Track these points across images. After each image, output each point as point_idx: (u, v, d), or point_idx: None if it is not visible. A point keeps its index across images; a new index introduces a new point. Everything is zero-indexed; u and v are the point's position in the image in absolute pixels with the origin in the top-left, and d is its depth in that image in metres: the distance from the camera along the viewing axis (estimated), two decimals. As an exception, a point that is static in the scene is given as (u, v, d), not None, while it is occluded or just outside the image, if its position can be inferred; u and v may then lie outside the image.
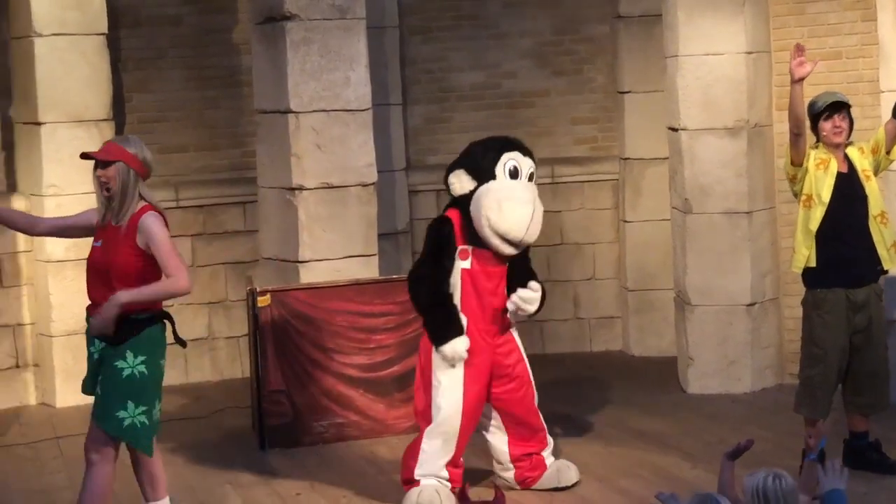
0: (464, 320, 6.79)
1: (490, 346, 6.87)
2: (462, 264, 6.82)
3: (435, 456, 6.80)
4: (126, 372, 6.01)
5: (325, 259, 8.62)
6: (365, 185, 8.75)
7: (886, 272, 7.16)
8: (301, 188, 8.60)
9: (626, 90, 10.20)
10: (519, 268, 6.92)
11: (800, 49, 6.99)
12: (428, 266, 6.87)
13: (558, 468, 7.07)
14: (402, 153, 10.28)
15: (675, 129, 9.10)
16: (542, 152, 10.36)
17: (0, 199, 9.36)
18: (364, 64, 8.70)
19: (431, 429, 6.81)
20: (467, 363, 6.77)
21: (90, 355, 6.16)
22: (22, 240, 9.40)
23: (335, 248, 8.64)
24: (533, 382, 7.07)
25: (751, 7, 8.89)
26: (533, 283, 6.88)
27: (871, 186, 7.02)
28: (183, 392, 9.66)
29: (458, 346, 6.70)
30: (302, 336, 8.16)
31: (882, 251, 7.02)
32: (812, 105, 7.08)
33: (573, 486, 7.06)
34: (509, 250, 6.78)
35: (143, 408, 6.04)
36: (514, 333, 7.05)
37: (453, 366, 6.75)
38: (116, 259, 5.97)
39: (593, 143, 10.61)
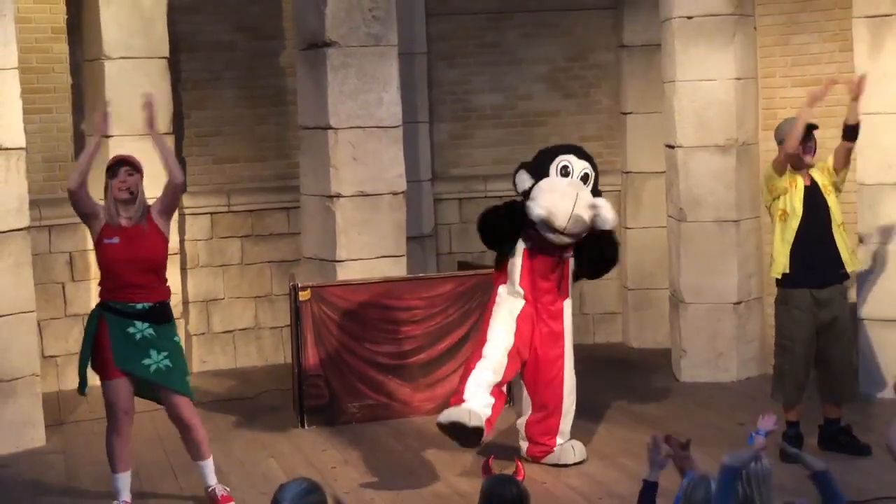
0: (521, 291, 6.94)
1: (540, 311, 6.95)
2: (524, 245, 6.92)
3: (483, 381, 6.81)
4: (179, 343, 6.48)
5: (359, 259, 8.63)
6: (395, 194, 8.76)
7: (849, 275, 7.21)
8: (339, 196, 8.62)
9: (629, 111, 10.20)
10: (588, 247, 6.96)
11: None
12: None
13: (562, 449, 7.07)
14: (429, 165, 10.29)
15: (671, 147, 9.09)
16: (553, 166, 10.39)
17: (73, 203, 9.43)
18: (396, 86, 8.71)
19: (482, 362, 6.86)
20: (518, 316, 6.92)
21: (129, 336, 6.29)
22: (90, 239, 9.44)
23: (368, 249, 8.66)
24: (566, 377, 7.06)
25: (740, 38, 8.88)
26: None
27: (832, 199, 7.12)
28: (231, 375, 9.71)
29: None
30: (338, 327, 8.18)
31: (845, 255, 7.11)
32: (781, 128, 7.18)
33: (575, 464, 7.06)
34: (557, 239, 6.82)
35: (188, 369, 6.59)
36: (567, 329, 7.08)
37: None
38: (156, 251, 6.38)
39: (599, 157, 10.38)
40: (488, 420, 6.72)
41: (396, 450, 7.60)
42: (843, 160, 7.19)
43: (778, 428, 4.91)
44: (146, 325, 6.31)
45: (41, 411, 7.94)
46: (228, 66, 10.04)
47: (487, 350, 6.91)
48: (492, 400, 6.79)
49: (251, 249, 10.03)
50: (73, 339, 9.40)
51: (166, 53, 9.40)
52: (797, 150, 6.99)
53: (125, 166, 6.36)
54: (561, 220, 6.75)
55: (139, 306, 6.31)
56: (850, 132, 7.19)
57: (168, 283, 6.51)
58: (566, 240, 6.85)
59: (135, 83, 9.18)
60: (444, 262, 10.15)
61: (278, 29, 10.14)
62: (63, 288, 9.40)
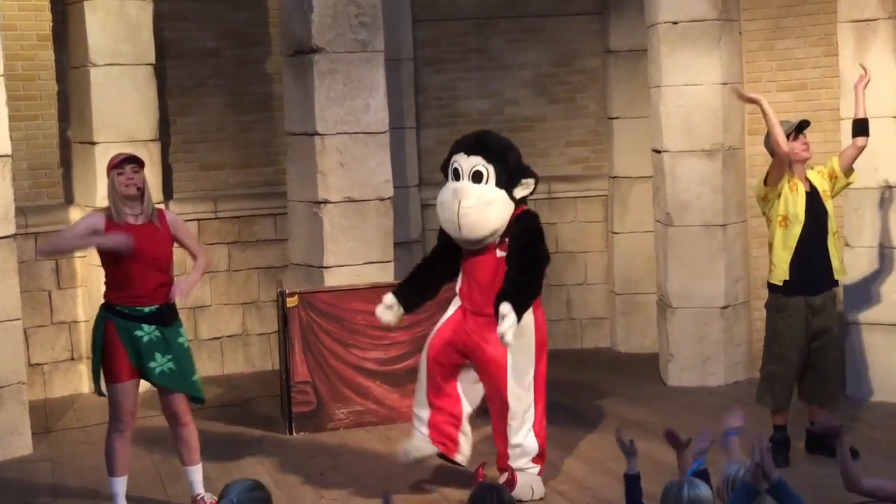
0: (459, 302, 6.72)
1: (463, 323, 6.63)
2: (464, 252, 6.74)
3: (419, 394, 6.80)
4: (186, 344, 6.45)
5: (346, 265, 8.63)
6: (382, 200, 8.76)
7: (838, 283, 7.21)
8: (326, 202, 8.61)
9: (615, 116, 10.21)
10: (510, 264, 6.49)
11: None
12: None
13: (520, 486, 6.56)
14: (416, 171, 10.29)
15: (658, 151, 9.10)
16: (540, 171, 10.17)
17: (58, 211, 9.39)
18: (382, 92, 8.71)
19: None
20: (443, 323, 6.73)
21: (136, 339, 6.28)
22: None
23: (356, 255, 8.65)
24: (510, 383, 6.53)
25: (725, 43, 8.90)
26: (501, 306, 6.22)
27: (830, 205, 7.08)
28: (219, 382, 9.68)
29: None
30: (326, 333, 8.17)
31: (836, 264, 7.09)
32: (769, 138, 7.12)
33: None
34: (465, 245, 6.62)
35: (196, 368, 6.54)
36: (507, 339, 6.39)
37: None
38: (165, 251, 6.40)
39: (585, 162, 10.62)
40: (433, 436, 6.67)
41: (385, 456, 7.59)
42: (851, 160, 7.16)
43: (746, 424, 4.90)
44: (153, 327, 6.32)
45: (28, 419, 7.91)
46: (215, 73, 10.03)
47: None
48: (426, 417, 6.70)
49: (238, 256, 10.01)
50: (59, 346, 9.38)
51: (152, 60, 9.38)
52: (789, 148, 6.95)
53: (131, 163, 6.36)
54: (451, 229, 6.57)
55: (146, 310, 6.32)
56: (857, 127, 7.13)
57: (174, 281, 6.48)
58: (469, 245, 6.61)
59: (121, 90, 9.19)
60: (432, 268, 10.14)
61: (264, 35, 10.13)
62: (49, 296, 9.37)
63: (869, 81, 7.26)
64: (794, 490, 4.18)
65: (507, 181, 6.51)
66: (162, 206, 6.67)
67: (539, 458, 6.68)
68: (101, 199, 9.10)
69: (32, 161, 9.43)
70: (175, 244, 6.51)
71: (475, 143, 6.59)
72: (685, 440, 4.71)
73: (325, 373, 8.18)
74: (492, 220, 6.48)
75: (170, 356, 6.34)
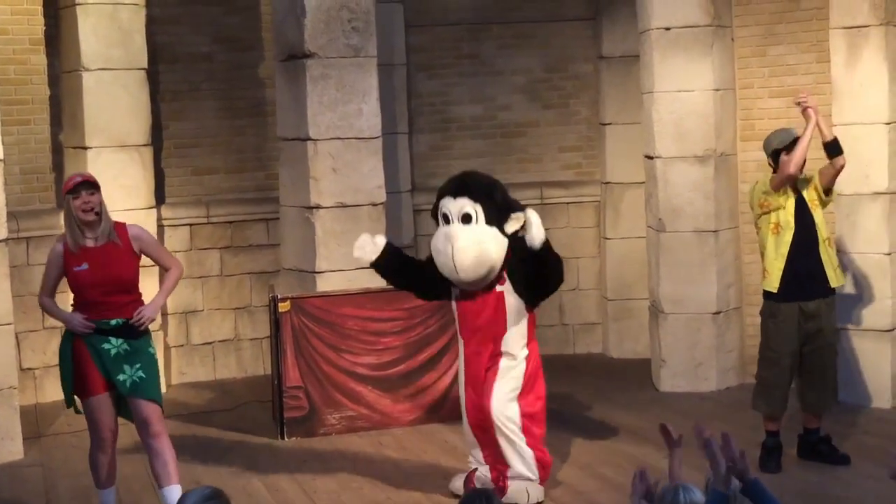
0: (462, 340, 6.72)
1: (481, 358, 6.65)
2: (454, 292, 6.72)
3: (468, 436, 6.76)
4: (155, 354, 6.35)
5: (339, 270, 8.63)
6: (375, 205, 8.77)
7: (833, 289, 7.21)
8: (318, 207, 8.61)
9: (608, 122, 10.23)
10: (527, 267, 6.60)
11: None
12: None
13: (516, 490, 6.63)
14: (408, 176, 10.29)
15: (650, 157, 9.11)
16: (532, 176, 10.44)
17: (50, 215, 9.39)
18: (375, 97, 8.71)
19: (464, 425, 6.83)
20: (463, 367, 6.74)
21: (104, 352, 6.18)
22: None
23: (348, 261, 8.59)
24: (497, 425, 6.59)
25: (718, 49, 8.91)
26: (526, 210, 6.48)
27: (818, 213, 7.10)
28: (211, 387, 9.68)
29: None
30: (318, 338, 8.17)
31: (829, 271, 7.09)
32: (769, 141, 7.14)
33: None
34: (467, 287, 6.61)
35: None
36: (504, 364, 6.62)
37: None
38: (128, 271, 6.23)
39: (578, 168, 10.63)
40: (493, 476, 6.64)
41: (377, 460, 7.59)
42: (831, 180, 7.18)
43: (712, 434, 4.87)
44: (120, 340, 6.21)
45: (19, 424, 7.90)
46: (207, 78, 10.03)
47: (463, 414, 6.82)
48: (480, 457, 6.70)
49: (230, 261, 10.01)
50: (51, 351, 9.36)
51: (145, 65, 9.38)
52: (798, 172, 6.98)
53: (86, 187, 6.18)
54: (450, 274, 6.55)
55: (113, 322, 6.20)
56: (830, 149, 7.17)
57: (141, 296, 6.34)
58: (471, 287, 6.61)
59: (113, 94, 9.18)
60: (424, 273, 10.16)
61: (257, 40, 10.14)
62: (41, 300, 9.35)
63: (810, 108, 7.18)
64: (770, 491, 4.19)
65: (496, 218, 6.55)
66: (124, 221, 6.43)
67: (541, 472, 6.71)
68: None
69: (24, 165, 9.42)
70: (145, 258, 6.35)
71: (460, 185, 6.62)
72: (677, 437, 4.71)
73: (317, 378, 8.17)
74: (486, 259, 6.49)
75: (138, 365, 6.20)
